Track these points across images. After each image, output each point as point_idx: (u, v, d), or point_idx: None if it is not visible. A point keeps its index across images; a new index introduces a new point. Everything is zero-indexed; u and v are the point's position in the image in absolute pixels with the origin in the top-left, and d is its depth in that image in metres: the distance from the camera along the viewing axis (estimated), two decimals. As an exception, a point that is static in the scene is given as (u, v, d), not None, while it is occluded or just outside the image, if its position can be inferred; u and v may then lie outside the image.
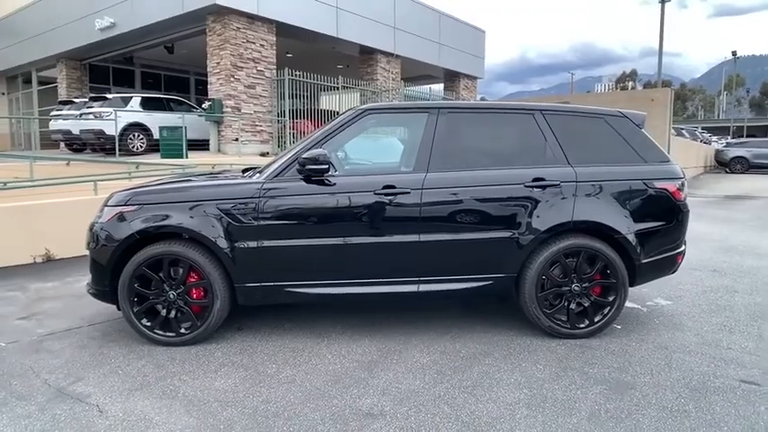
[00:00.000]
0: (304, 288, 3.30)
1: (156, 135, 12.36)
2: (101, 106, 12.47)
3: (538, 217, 3.29)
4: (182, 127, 11.69)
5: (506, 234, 3.29)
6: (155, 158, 11.32)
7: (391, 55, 17.90)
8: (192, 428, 2.35)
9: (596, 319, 3.37)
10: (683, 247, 3.59)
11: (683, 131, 22.61)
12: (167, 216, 3.24)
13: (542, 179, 3.32)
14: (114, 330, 3.58)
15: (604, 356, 3.12)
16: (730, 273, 5.16)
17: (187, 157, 11.39)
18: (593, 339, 3.37)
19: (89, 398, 2.63)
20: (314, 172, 3.22)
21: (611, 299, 3.37)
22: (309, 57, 17.54)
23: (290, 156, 3.38)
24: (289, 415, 2.46)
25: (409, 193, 3.26)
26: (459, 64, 21.59)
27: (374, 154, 4.37)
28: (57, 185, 7.10)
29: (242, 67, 13.09)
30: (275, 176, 3.32)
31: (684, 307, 4.09)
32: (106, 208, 3.38)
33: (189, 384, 2.78)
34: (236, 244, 3.22)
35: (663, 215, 3.45)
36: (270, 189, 3.27)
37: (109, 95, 13.46)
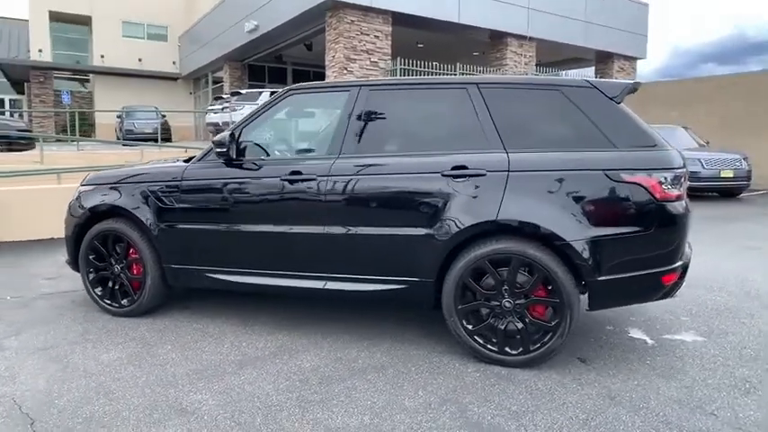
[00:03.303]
0: (222, 275, 3.26)
1: (279, 126, 13.50)
2: (236, 101, 14.07)
3: (456, 213, 2.70)
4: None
5: (419, 232, 2.78)
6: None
7: (524, 38, 16.56)
8: (33, 391, 2.50)
9: (532, 347, 2.66)
10: (675, 264, 2.60)
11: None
12: (111, 196, 3.49)
13: (464, 167, 2.71)
14: (96, 296, 4.00)
15: (515, 395, 2.44)
16: None
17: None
18: (525, 371, 2.67)
19: (2, 352, 2.98)
20: (221, 155, 3.14)
21: (553, 323, 2.62)
22: (441, 46, 17.22)
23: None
24: (114, 396, 2.45)
25: (314, 180, 2.96)
26: (613, 43, 18.96)
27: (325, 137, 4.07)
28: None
29: (355, 60, 13.46)
30: (198, 160, 3.33)
31: (716, 348, 2.99)
32: (79, 187, 3.78)
33: (85, 353, 2.96)
34: (160, 225, 3.32)
35: (636, 219, 2.54)
36: (189, 172, 3.28)
37: (242, 90, 15.12)
